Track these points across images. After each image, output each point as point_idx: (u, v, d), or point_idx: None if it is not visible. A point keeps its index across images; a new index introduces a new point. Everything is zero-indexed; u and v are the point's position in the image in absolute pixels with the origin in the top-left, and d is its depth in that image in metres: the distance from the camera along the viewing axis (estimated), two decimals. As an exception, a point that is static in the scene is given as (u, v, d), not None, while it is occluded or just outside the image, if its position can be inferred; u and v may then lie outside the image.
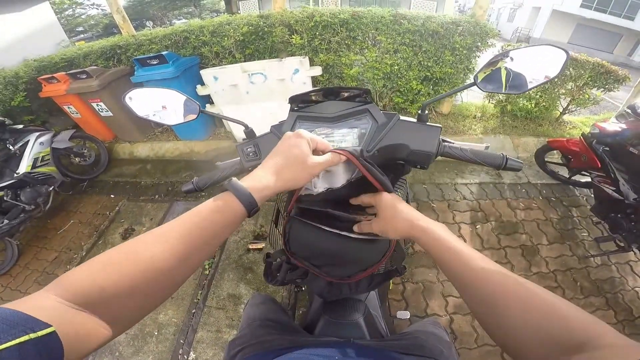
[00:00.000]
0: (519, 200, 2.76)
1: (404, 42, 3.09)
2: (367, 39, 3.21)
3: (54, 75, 3.40)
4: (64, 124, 4.06)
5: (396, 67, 3.20)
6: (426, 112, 0.79)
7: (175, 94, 0.82)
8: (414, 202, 2.71)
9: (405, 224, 0.58)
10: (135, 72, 3.22)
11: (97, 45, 3.73)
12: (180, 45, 3.42)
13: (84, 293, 0.34)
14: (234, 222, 0.46)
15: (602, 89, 3.30)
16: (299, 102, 0.82)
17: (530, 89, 0.73)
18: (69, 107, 3.64)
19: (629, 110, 2.01)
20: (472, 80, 0.77)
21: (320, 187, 0.66)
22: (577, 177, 2.72)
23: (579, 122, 3.92)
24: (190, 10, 22.96)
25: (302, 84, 3.06)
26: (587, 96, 3.40)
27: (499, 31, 28.01)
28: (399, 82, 3.33)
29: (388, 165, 0.91)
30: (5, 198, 2.70)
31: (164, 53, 3.06)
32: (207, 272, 2.30)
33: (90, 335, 0.34)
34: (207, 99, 3.39)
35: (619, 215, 2.06)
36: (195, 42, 3.32)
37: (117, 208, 3.08)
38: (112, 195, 3.31)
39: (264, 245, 2.42)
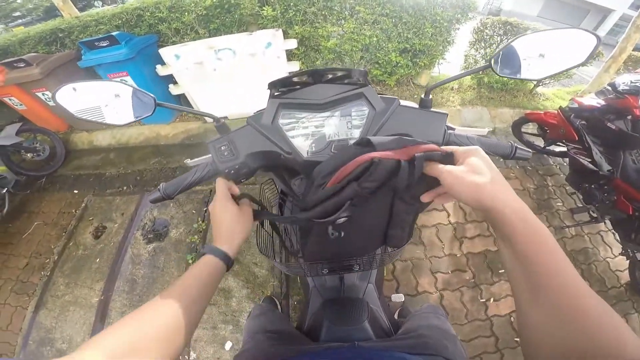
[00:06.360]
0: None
1: (383, 13, 2.93)
2: (344, 9, 3.01)
3: (-15, 66, 2.95)
4: (8, 118, 3.57)
5: (375, 39, 3.05)
6: (430, 97, 0.70)
7: (121, 87, 0.66)
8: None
9: (490, 191, 0.43)
10: (82, 56, 2.86)
11: (35, 30, 3.31)
12: (134, 24, 3.04)
13: (120, 353, 0.40)
14: (217, 277, 0.57)
15: (575, 64, 3.37)
16: (280, 86, 0.70)
17: (551, 76, 0.66)
18: (10, 99, 3.26)
19: (609, 88, 2.04)
20: (487, 63, 0.68)
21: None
22: (552, 147, 2.79)
23: (552, 94, 4.04)
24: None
25: (276, 58, 2.85)
26: (560, 70, 3.47)
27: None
28: (378, 54, 3.20)
29: None
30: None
31: (114, 33, 2.72)
32: (192, 267, 2.19)
33: None
34: (170, 79, 3.09)
35: (593, 186, 2.14)
36: (151, 20, 2.96)
37: (83, 204, 2.81)
38: (75, 191, 3.01)
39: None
